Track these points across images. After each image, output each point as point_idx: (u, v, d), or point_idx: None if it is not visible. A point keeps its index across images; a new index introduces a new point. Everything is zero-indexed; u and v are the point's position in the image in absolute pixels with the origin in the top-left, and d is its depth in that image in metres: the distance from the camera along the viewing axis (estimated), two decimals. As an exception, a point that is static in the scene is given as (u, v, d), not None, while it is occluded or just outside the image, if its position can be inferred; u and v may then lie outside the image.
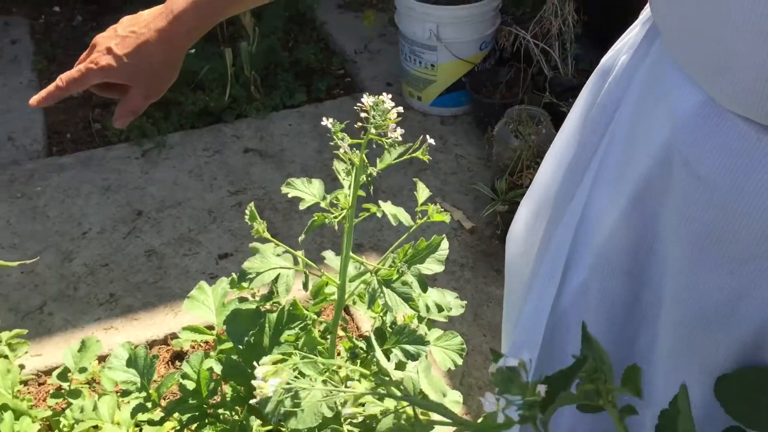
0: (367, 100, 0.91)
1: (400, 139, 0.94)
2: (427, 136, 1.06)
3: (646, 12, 0.77)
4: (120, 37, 0.89)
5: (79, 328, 1.91)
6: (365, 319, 1.90)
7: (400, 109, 0.93)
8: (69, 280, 2.05)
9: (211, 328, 1.48)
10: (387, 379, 0.93)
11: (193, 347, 1.88)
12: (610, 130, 0.76)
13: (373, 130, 0.92)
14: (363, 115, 0.92)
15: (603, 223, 0.76)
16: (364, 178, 1.01)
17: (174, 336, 1.89)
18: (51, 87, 0.92)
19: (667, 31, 0.67)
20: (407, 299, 1.08)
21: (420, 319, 1.38)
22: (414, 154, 1.04)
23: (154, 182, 2.39)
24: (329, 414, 1.05)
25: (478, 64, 2.52)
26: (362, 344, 1.31)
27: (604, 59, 0.81)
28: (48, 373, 1.80)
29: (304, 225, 2.40)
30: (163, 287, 2.03)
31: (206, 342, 1.88)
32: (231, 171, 2.44)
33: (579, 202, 0.79)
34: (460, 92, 2.55)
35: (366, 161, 1.02)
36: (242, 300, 1.40)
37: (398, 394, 0.85)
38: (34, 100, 0.93)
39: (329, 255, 1.49)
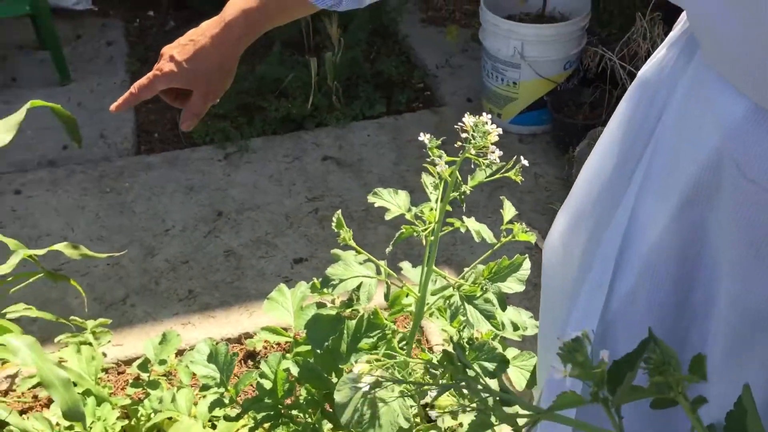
0: (468, 119, 0.92)
1: (497, 160, 0.94)
2: (521, 158, 1.06)
3: (683, 22, 0.78)
4: (181, 45, 0.99)
5: (159, 322, 1.98)
6: (436, 332, 1.90)
7: (500, 131, 0.94)
8: (151, 275, 2.13)
9: (285, 329, 1.51)
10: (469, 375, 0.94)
11: (266, 348, 1.92)
12: (653, 139, 0.78)
13: (472, 150, 0.92)
14: (463, 135, 0.93)
15: (650, 230, 0.77)
16: (456, 195, 1.02)
17: (248, 335, 1.94)
18: (126, 94, 1.03)
19: (707, 44, 0.69)
20: (489, 317, 1.08)
21: (494, 336, 1.38)
22: (506, 174, 1.05)
23: (235, 185, 2.46)
24: (405, 425, 1.06)
25: (561, 84, 2.50)
26: (435, 357, 1.32)
27: (643, 71, 0.82)
28: (127, 362, 1.87)
29: (379, 235, 2.43)
30: (240, 287, 2.08)
31: (278, 344, 1.92)
32: (309, 178, 2.49)
33: (625, 209, 0.80)
34: (541, 111, 2.54)
35: (459, 178, 1.03)
36: (320, 305, 1.43)
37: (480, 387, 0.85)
38: (113, 106, 1.04)
39: (406, 266, 1.50)
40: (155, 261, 2.17)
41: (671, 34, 0.80)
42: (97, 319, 1.76)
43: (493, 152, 0.93)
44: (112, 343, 1.87)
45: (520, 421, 0.56)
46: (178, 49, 0.99)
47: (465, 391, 0.68)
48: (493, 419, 0.61)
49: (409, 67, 3.05)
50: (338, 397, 1.13)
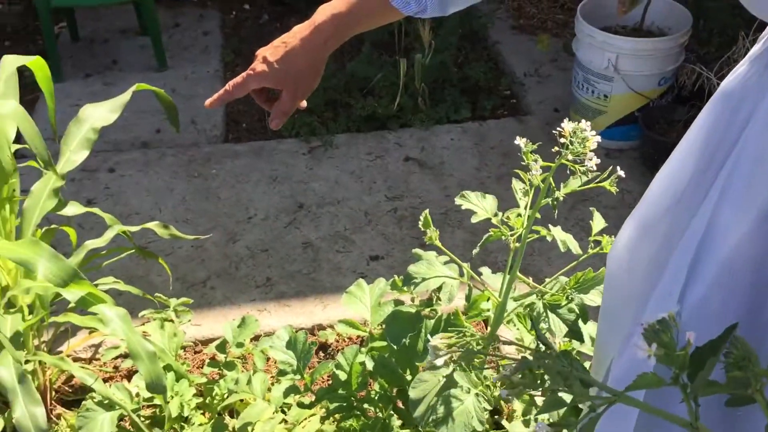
0: (567, 125, 0.92)
1: (594, 168, 0.94)
2: (617, 168, 1.05)
3: (767, 38, 0.79)
4: (274, 47, 1.05)
5: (236, 306, 2.03)
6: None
7: (599, 138, 0.93)
8: (232, 260, 2.19)
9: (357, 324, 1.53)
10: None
11: (337, 341, 1.94)
12: (737, 148, 0.78)
13: (569, 156, 0.92)
14: (562, 140, 0.92)
15: (728, 238, 0.78)
16: (549, 202, 1.01)
17: (320, 327, 1.97)
18: (221, 92, 1.08)
19: None
20: (571, 327, 1.07)
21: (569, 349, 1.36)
22: (601, 184, 1.03)
23: (317, 178, 2.50)
24: (479, 428, 1.06)
25: (654, 100, 2.44)
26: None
27: (726, 82, 0.83)
28: (204, 343, 1.93)
29: (456, 239, 2.42)
30: (316, 279, 2.12)
31: (349, 338, 1.95)
32: (390, 177, 2.51)
33: (702, 218, 0.80)
34: (631, 126, 2.49)
35: (553, 185, 1.02)
36: (398, 303, 1.44)
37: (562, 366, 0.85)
38: (208, 102, 1.10)
39: (486, 271, 1.49)
40: (236, 247, 2.23)
41: (754, 48, 0.82)
42: (179, 298, 1.83)
43: (591, 159, 0.92)
44: (192, 322, 1.93)
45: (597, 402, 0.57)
46: (270, 51, 1.04)
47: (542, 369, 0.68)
48: (566, 398, 0.61)
49: (497, 73, 3.04)
50: (413, 393, 1.15)
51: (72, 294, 1.30)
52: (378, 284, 1.50)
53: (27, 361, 1.44)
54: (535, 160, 0.98)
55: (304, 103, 1.11)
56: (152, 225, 1.73)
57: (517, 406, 1.12)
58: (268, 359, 1.82)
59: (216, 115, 2.82)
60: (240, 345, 1.65)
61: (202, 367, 1.84)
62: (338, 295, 2.06)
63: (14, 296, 1.48)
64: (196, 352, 1.92)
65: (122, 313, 1.34)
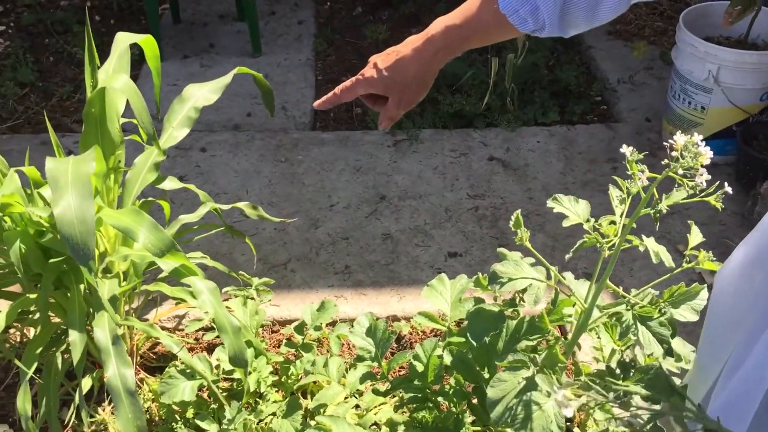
0: (680, 138, 0.90)
1: (704, 185, 0.91)
2: (725, 184, 1.02)
3: None
4: (386, 54, 1.06)
5: (314, 290, 2.07)
6: (585, 348, 1.86)
7: (711, 153, 0.90)
8: (312, 245, 2.23)
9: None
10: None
11: (411, 334, 1.96)
12: None
13: (679, 171, 0.90)
14: (674, 154, 0.90)
15: None
16: (650, 212, 0.99)
17: (395, 318, 1.99)
18: (330, 94, 1.11)
19: None
20: (662, 341, 1.05)
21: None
22: (705, 199, 1.01)
23: (401, 171, 2.52)
24: (557, 432, 1.05)
25: (755, 115, 2.35)
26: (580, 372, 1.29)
27: None
28: (282, 323, 1.98)
29: (536, 243, 2.39)
30: (393, 271, 2.14)
31: (423, 332, 1.96)
32: (473, 175, 2.50)
33: None
34: (727, 140, 2.40)
35: (656, 195, 1.00)
36: (478, 300, 1.44)
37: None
38: (316, 103, 1.13)
39: (569, 277, 1.48)
40: (318, 233, 2.27)
41: None
42: (261, 278, 1.88)
43: (702, 175, 0.90)
44: (271, 302, 1.98)
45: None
46: (382, 58, 1.06)
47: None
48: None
49: (589, 78, 2.99)
50: (491, 392, 1.15)
51: (167, 264, 1.36)
52: (460, 280, 1.50)
53: (118, 325, 1.51)
54: (642, 170, 0.96)
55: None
56: (242, 205, 1.79)
57: (599, 416, 1.11)
58: (342, 345, 1.85)
59: (305, 103, 2.87)
60: (318, 328, 1.69)
61: (278, 347, 1.89)
62: (414, 288, 2.08)
63: (111, 262, 1.55)
64: (273, 332, 1.97)
65: (212, 287, 1.39)
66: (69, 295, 1.40)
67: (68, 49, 3.14)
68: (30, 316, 1.58)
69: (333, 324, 1.88)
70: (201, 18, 3.44)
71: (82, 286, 1.43)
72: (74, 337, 1.33)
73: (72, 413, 1.64)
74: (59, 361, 1.49)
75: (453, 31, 0.99)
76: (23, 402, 1.36)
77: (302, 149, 2.63)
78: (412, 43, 1.03)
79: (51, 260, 1.40)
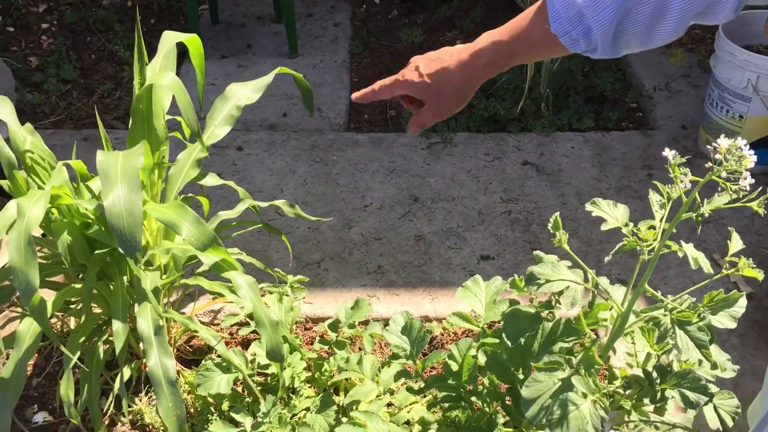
0: (723, 141, 0.90)
1: (747, 188, 0.91)
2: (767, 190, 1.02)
3: None
4: (429, 59, 1.06)
5: (347, 289, 2.09)
6: (619, 353, 1.85)
7: (755, 158, 0.91)
8: (346, 245, 2.25)
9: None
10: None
11: (442, 335, 1.97)
12: None
13: (723, 174, 0.90)
14: (717, 157, 0.91)
15: None
16: (692, 215, 1.00)
17: (427, 319, 2.00)
18: (368, 89, 1.11)
19: None
20: (701, 346, 1.05)
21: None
22: (748, 204, 1.01)
23: (434, 174, 2.53)
24: (593, 433, 1.06)
25: (794, 125, 2.33)
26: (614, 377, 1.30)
27: None
28: (315, 321, 2.00)
29: (571, 247, 2.37)
30: (426, 272, 2.15)
31: (455, 333, 1.97)
32: (506, 179, 2.51)
33: None
34: (765, 150, 2.38)
35: (698, 199, 1.01)
36: (513, 302, 1.45)
37: None
38: (355, 95, 1.13)
39: (603, 282, 1.48)
40: (351, 233, 2.30)
41: None
42: (295, 275, 1.90)
43: (746, 178, 0.90)
44: (304, 300, 2.01)
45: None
46: (425, 62, 1.05)
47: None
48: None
49: (624, 85, 2.98)
50: (526, 392, 1.16)
51: (208, 258, 1.39)
52: (494, 281, 1.51)
53: (159, 317, 1.54)
54: (685, 174, 0.97)
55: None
56: (280, 202, 1.81)
57: (634, 417, 1.11)
58: (375, 343, 1.87)
59: (340, 104, 2.90)
60: (351, 326, 1.71)
61: (311, 344, 1.91)
62: (447, 289, 2.10)
63: (153, 255, 1.59)
64: (306, 329, 2.00)
65: (251, 282, 1.42)
66: (113, 286, 1.44)
67: (109, 47, 3.21)
68: (73, 306, 1.62)
69: (365, 323, 1.90)
70: (239, 19, 3.49)
71: (125, 278, 1.46)
72: (117, 326, 1.37)
73: (110, 402, 1.68)
74: (101, 350, 1.53)
75: (500, 47, 0.98)
76: (66, 388, 1.40)
77: (337, 150, 2.65)
78: (457, 54, 1.02)
79: (96, 251, 1.43)
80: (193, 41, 1.61)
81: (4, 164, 1.40)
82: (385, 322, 1.87)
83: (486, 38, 1.00)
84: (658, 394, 1.11)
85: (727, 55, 2.32)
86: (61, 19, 3.38)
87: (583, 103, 2.80)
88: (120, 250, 1.15)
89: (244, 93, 1.68)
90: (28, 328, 1.35)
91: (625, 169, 2.53)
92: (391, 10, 3.58)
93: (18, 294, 1.25)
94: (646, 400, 1.16)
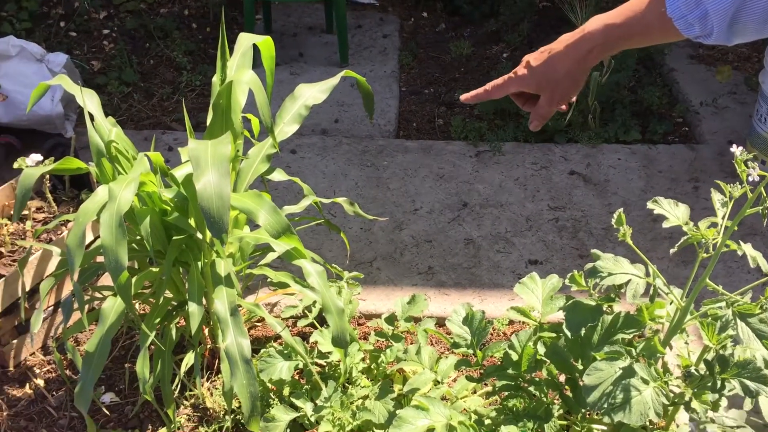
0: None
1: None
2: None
3: None
4: (539, 52, 1.07)
5: (399, 288, 2.16)
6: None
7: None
8: (397, 246, 2.32)
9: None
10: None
11: (491, 335, 2.02)
12: None
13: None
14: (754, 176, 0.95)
15: None
16: (759, 209, 1.05)
17: (477, 319, 2.05)
18: (479, 90, 1.12)
19: None
20: (762, 336, 1.09)
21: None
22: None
23: (482, 181, 2.59)
24: (655, 419, 1.11)
25: (843, 141, 2.35)
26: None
27: None
28: (368, 317, 2.07)
29: (618, 255, 2.44)
30: (475, 274, 2.21)
31: (504, 333, 2.02)
32: (553, 188, 2.56)
33: None
34: (813, 165, 2.40)
35: (764, 194, 1.05)
36: (569, 298, 1.50)
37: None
38: (464, 96, 1.14)
39: (658, 283, 1.52)
40: (402, 235, 2.36)
41: None
42: (350, 272, 1.97)
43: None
44: (359, 296, 2.07)
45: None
46: (535, 56, 1.07)
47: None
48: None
49: (671, 100, 3.01)
50: (588, 379, 1.21)
51: (280, 246, 1.46)
52: (551, 279, 1.56)
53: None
54: (754, 168, 1.01)
55: (563, 107, 1.11)
56: (341, 200, 1.89)
57: (696, 405, 1.15)
58: (428, 339, 1.92)
59: (390, 112, 2.98)
60: (408, 320, 1.77)
61: (364, 339, 1.97)
62: (496, 290, 2.15)
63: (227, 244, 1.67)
64: (359, 324, 2.06)
65: (320, 270, 1.49)
66: (189, 270, 1.52)
67: (167, 53, 3.33)
68: (147, 290, 1.70)
69: (418, 320, 1.96)
70: (291, 29, 3.60)
71: (200, 263, 1.54)
72: (193, 308, 1.45)
73: (177, 385, 1.75)
74: (173, 332, 1.61)
75: (612, 29, 0.98)
76: (142, 366, 1.48)
77: (387, 155, 2.73)
78: (565, 39, 1.03)
79: (174, 237, 1.52)
80: (265, 44, 1.69)
81: (94, 152, 1.49)
82: (437, 320, 1.93)
83: (597, 21, 0.99)
84: (718, 383, 1.15)
85: (777, 71, 2.35)
86: (121, 25, 3.52)
87: (629, 117, 2.84)
88: (198, 234, 1.23)
89: (312, 93, 1.76)
90: (111, 306, 1.44)
91: (672, 182, 2.57)
92: (439, 23, 3.67)
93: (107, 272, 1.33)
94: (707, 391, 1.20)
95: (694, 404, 1.14)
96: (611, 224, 2.39)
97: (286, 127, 1.73)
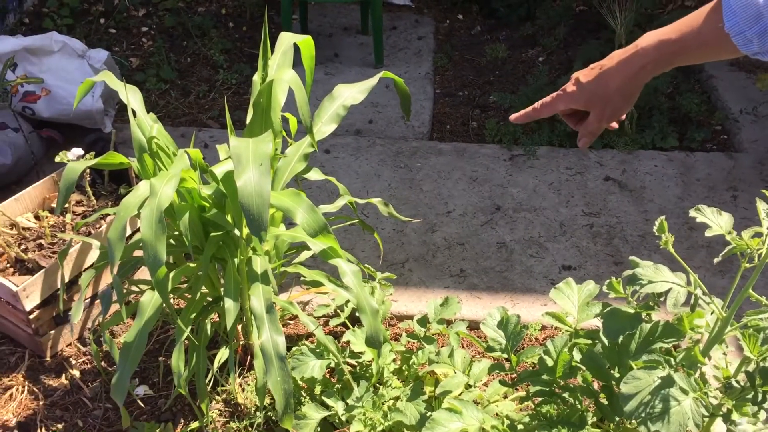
0: None
1: None
2: None
3: None
4: (589, 69, 1.05)
5: (430, 290, 2.16)
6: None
7: None
8: (429, 247, 2.32)
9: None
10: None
11: (524, 339, 2.01)
12: None
13: None
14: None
15: None
16: (808, 219, 1.03)
17: (509, 323, 2.04)
18: (529, 109, 1.11)
19: None
20: (806, 349, 1.07)
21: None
22: None
23: (516, 185, 2.58)
24: (694, 431, 1.09)
25: None
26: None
27: None
28: (399, 318, 2.07)
29: (653, 261, 2.40)
30: (507, 278, 2.20)
31: (536, 338, 2.00)
32: (588, 193, 2.54)
33: None
34: None
35: (814, 203, 1.04)
36: (605, 305, 1.48)
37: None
38: (513, 117, 1.13)
39: (699, 293, 1.50)
40: (434, 237, 2.36)
41: None
42: (383, 273, 1.97)
43: None
44: (391, 297, 2.07)
45: None
46: (585, 73, 1.05)
47: None
48: None
49: (709, 107, 2.97)
50: (625, 388, 1.19)
51: (316, 245, 1.47)
52: (587, 285, 1.55)
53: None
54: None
55: (614, 124, 1.08)
56: (376, 201, 1.89)
57: (735, 416, 1.14)
58: (460, 342, 1.92)
59: (424, 114, 2.98)
60: (441, 322, 1.77)
61: (396, 340, 1.98)
62: (528, 295, 2.14)
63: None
64: (390, 325, 2.06)
65: (356, 269, 1.49)
66: (226, 266, 1.53)
67: (204, 51, 3.36)
68: (183, 285, 1.72)
69: (449, 323, 1.95)
70: (327, 29, 3.62)
71: (236, 260, 1.55)
72: (229, 304, 1.46)
73: (210, 381, 1.77)
74: (207, 327, 1.62)
75: (667, 45, 0.96)
76: (177, 360, 1.49)
77: (420, 157, 2.72)
78: (617, 55, 1.01)
79: (212, 233, 1.53)
80: (306, 43, 1.70)
81: (136, 148, 1.51)
82: (468, 323, 1.93)
83: (651, 37, 0.98)
84: (759, 395, 1.13)
85: (821, 80, 2.31)
86: (160, 23, 3.56)
87: (666, 123, 2.81)
88: (235, 231, 1.23)
89: (350, 93, 1.76)
90: (149, 300, 1.45)
91: (710, 190, 2.53)
92: (474, 26, 3.66)
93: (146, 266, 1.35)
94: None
95: (734, 416, 1.12)
96: (647, 231, 2.37)
97: (324, 126, 1.74)
